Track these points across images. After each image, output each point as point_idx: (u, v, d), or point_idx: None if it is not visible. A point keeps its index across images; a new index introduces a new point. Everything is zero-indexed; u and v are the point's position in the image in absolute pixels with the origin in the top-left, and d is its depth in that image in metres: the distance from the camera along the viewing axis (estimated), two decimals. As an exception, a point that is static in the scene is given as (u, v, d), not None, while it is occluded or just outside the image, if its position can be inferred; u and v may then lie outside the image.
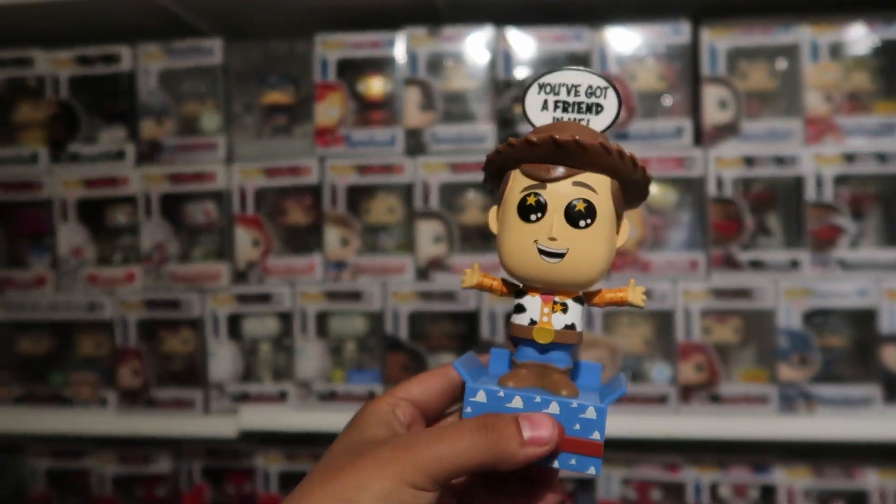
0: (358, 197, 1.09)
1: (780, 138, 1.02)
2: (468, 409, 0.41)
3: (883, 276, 0.99)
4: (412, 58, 1.07)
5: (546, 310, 0.42)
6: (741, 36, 1.04)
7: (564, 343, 0.42)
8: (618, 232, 0.43)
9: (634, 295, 0.43)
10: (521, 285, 0.43)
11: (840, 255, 1.00)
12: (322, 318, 1.07)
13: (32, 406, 1.11)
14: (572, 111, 0.42)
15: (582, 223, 0.40)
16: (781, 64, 1.06)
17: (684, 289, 1.01)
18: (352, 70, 1.10)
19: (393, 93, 1.09)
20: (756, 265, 1.01)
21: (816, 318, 1.02)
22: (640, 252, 1.03)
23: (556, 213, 0.40)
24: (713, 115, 1.03)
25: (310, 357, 1.06)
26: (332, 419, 1.04)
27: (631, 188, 0.42)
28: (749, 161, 1.01)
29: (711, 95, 1.03)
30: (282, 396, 1.06)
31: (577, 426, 0.40)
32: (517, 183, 0.41)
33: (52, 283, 1.12)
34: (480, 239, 1.09)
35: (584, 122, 0.42)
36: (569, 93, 0.42)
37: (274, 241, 1.09)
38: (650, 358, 1.05)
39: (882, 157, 1.00)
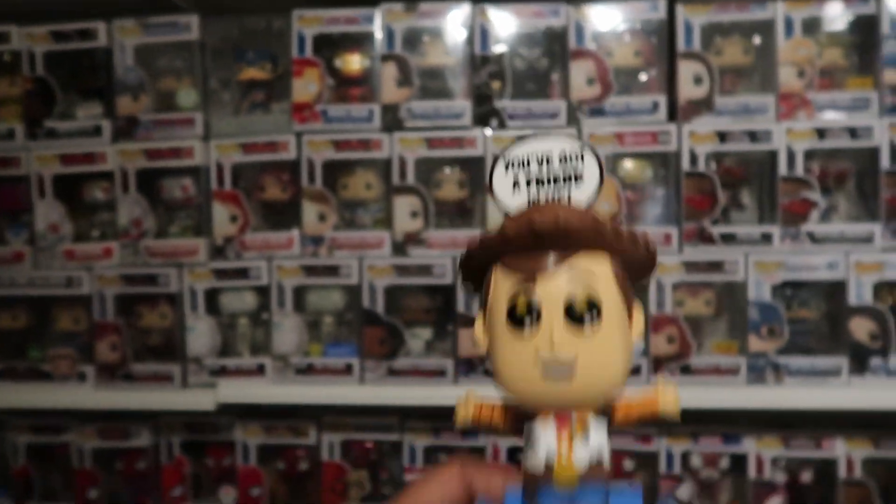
0: (335, 172, 1.09)
1: (753, 113, 1.03)
2: None
3: (852, 249, 1.01)
4: (389, 33, 1.07)
5: (564, 441, 0.34)
6: (716, 12, 1.04)
7: (594, 481, 0.34)
8: (630, 323, 0.36)
9: (666, 402, 0.36)
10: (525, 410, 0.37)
11: (810, 228, 1.01)
12: (299, 293, 1.08)
13: (11, 381, 1.11)
14: (548, 185, 0.36)
15: (587, 323, 0.33)
16: (756, 40, 1.07)
17: (657, 262, 1.02)
18: (329, 46, 1.10)
19: (370, 69, 1.09)
20: (728, 239, 1.02)
21: (786, 290, 1.03)
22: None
23: (554, 314, 0.33)
24: (688, 90, 1.04)
25: (287, 331, 1.07)
26: (309, 392, 1.05)
27: (635, 267, 0.36)
28: (722, 136, 1.02)
29: (686, 71, 1.04)
30: (260, 370, 1.07)
31: None
32: (501, 283, 0.35)
33: (30, 258, 1.12)
34: (457, 214, 1.09)
35: (563, 196, 0.36)
36: (540, 164, 0.36)
37: (251, 216, 1.10)
38: (624, 331, 1.06)
39: (853, 133, 1.02)
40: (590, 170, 0.36)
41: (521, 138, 0.37)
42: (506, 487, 0.36)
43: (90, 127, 1.11)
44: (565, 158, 0.36)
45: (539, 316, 0.33)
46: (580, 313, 0.33)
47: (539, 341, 0.33)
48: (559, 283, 0.34)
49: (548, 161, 0.36)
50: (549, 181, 0.36)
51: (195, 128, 1.09)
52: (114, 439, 1.14)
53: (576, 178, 0.36)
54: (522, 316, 0.34)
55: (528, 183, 0.36)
